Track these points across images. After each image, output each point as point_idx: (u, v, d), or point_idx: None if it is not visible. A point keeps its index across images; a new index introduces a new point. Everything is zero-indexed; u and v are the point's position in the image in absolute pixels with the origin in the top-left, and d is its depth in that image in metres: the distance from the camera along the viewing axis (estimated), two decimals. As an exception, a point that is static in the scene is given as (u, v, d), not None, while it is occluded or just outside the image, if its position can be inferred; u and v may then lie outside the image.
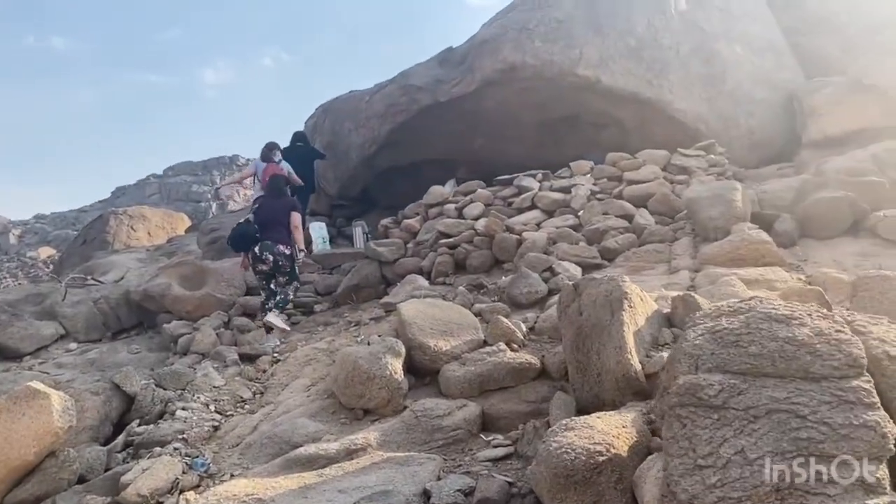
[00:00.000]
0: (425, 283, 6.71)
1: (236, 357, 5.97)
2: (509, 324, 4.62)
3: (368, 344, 5.30)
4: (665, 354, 3.56)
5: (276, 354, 6.15)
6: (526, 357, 4.25)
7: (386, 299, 6.65)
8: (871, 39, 10.82)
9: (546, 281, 5.75)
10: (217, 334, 6.49)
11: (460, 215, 7.73)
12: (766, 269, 5.03)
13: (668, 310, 4.02)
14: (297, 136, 9.86)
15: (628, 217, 6.90)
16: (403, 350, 4.45)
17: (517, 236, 6.89)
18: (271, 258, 6.61)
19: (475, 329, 4.79)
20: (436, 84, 9.49)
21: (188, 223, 21.81)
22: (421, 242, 7.71)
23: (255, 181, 9.02)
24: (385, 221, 8.35)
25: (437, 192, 8.16)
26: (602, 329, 3.61)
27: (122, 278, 9.90)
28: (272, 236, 6.66)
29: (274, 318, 6.63)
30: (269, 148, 8.94)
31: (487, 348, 4.44)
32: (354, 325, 6.49)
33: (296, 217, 6.93)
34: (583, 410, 3.68)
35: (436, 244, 7.44)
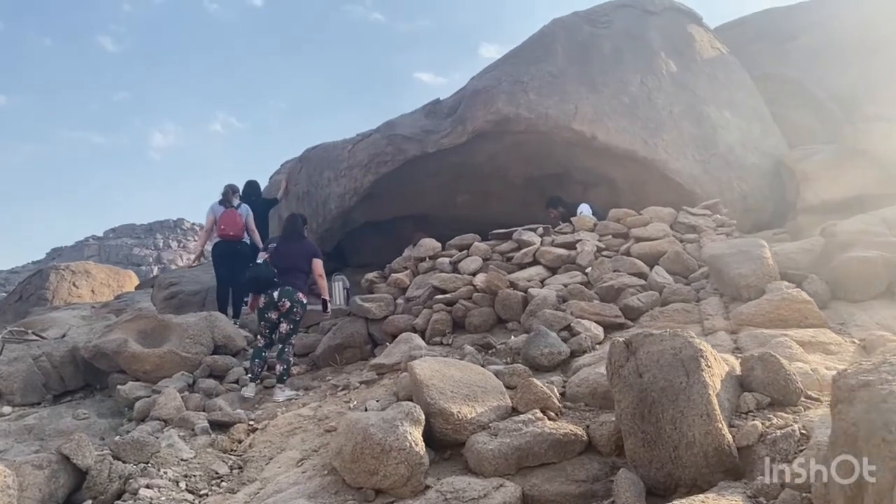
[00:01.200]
0: (422, 342, 6.08)
1: (206, 424, 5.17)
2: (544, 388, 4.03)
3: (365, 409, 4.65)
4: (757, 423, 3.04)
5: (251, 423, 5.38)
6: (570, 428, 3.65)
7: (378, 360, 5.99)
8: (850, 110, 11.09)
9: (565, 341, 5.22)
10: (182, 398, 5.67)
11: (455, 270, 7.19)
12: (815, 331, 4.63)
13: (739, 371, 3.52)
14: (250, 187, 9.48)
15: (641, 275, 6.50)
16: (423, 417, 3.79)
17: (522, 293, 6.38)
18: (288, 305, 6.07)
19: (500, 393, 4.18)
20: (424, 135, 9.12)
21: (136, 281, 20.62)
22: (412, 298, 7.12)
23: (214, 229, 8.43)
24: (370, 276, 7.75)
25: (428, 244, 7.63)
26: (676, 393, 3.08)
27: (63, 335, 8.92)
28: (293, 282, 6.18)
29: (281, 394, 5.98)
30: (231, 191, 8.42)
31: (521, 416, 3.83)
32: (342, 390, 5.79)
33: (319, 265, 6.35)
34: (653, 492, 3.11)
35: (430, 300, 6.86)
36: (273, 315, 6.23)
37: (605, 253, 7.08)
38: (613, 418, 3.55)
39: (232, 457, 4.71)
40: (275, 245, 6.43)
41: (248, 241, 8.56)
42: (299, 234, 6.63)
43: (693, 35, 10.89)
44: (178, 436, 5.00)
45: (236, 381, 6.54)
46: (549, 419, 3.82)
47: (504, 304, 6.35)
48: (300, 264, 6.34)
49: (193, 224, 39.78)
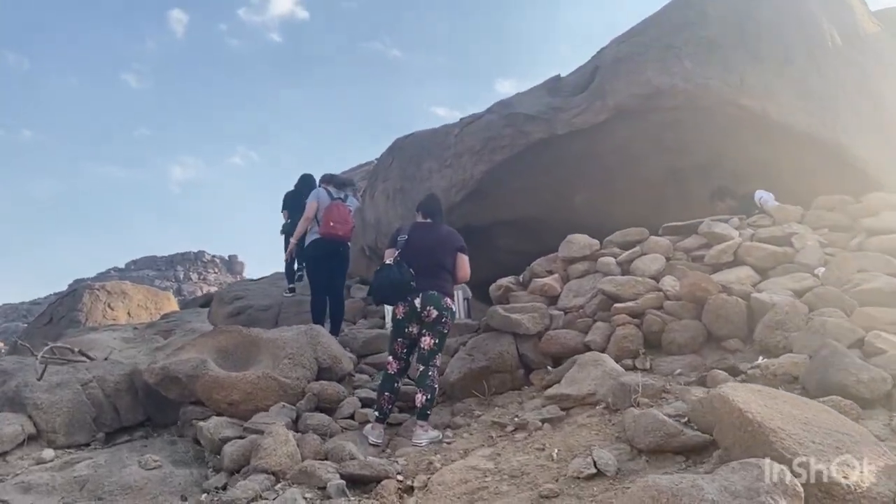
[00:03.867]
0: (617, 366, 4.48)
1: (341, 481, 3.61)
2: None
3: (594, 464, 3.11)
4: None
5: (399, 477, 3.81)
6: None
7: (559, 390, 4.40)
8: None
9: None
10: (296, 439, 4.13)
11: (627, 272, 5.61)
12: None
13: None
14: (304, 182, 8.82)
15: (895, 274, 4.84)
16: (800, 487, 2.18)
17: (743, 300, 4.76)
18: (435, 314, 4.64)
19: (874, 444, 2.56)
20: (552, 113, 7.63)
21: (175, 304, 19.37)
22: (570, 309, 5.53)
23: (316, 224, 6.92)
24: (504, 282, 6.18)
25: (581, 241, 6.07)
26: None
27: (106, 360, 7.52)
28: (438, 284, 4.72)
29: (424, 435, 4.45)
30: (340, 183, 6.98)
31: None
32: (516, 430, 4.20)
33: (466, 263, 4.87)
34: None
35: (602, 311, 5.27)
36: (413, 329, 4.71)
37: (826, 250, 5.44)
38: None
39: (398, 536, 3.14)
40: (405, 236, 4.90)
41: (348, 243, 7.11)
42: (441, 216, 5.13)
43: (851, 5, 9.32)
44: (304, 497, 3.46)
45: (351, 416, 5.01)
46: None
47: (719, 314, 4.74)
48: (444, 259, 4.81)
49: (213, 257, 40.65)
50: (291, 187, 9.20)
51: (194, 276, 39.34)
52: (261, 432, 4.30)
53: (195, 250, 40.77)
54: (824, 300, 4.54)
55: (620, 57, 7.45)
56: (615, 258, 5.76)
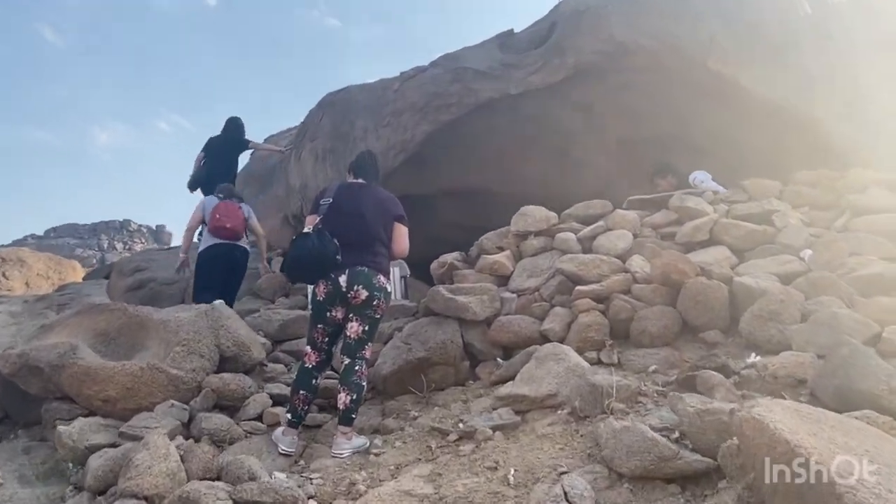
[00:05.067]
0: (581, 360, 3.78)
1: (232, 512, 2.78)
2: None
3: (566, 497, 2.41)
4: None
5: (311, 501, 3.00)
6: None
7: (513, 390, 3.65)
8: None
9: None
10: (181, 452, 3.26)
11: (589, 250, 4.92)
12: None
13: None
14: (230, 123, 8.31)
15: (891, 259, 4.32)
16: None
17: (724, 285, 4.13)
18: (364, 295, 3.79)
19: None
20: (504, 70, 6.84)
21: (83, 272, 17.78)
22: (523, 291, 4.80)
23: (204, 229, 6.10)
24: (448, 258, 5.39)
25: (536, 214, 5.34)
26: None
27: (-20, 337, 6.39)
28: (367, 259, 3.87)
29: (346, 444, 3.63)
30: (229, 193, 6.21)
31: None
32: (460, 440, 3.44)
33: (404, 234, 4.04)
34: None
35: (561, 294, 4.57)
36: (338, 313, 3.87)
37: (810, 231, 4.89)
38: None
39: None
40: (329, 199, 4.02)
41: (246, 248, 6.29)
42: (375, 175, 4.27)
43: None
44: (181, 537, 2.62)
45: (259, 417, 4.15)
46: None
47: (697, 301, 4.10)
48: (378, 229, 3.97)
49: (140, 226, 39.12)
50: None
51: (119, 246, 37.18)
52: (140, 439, 3.40)
53: (121, 219, 39.07)
54: (818, 287, 3.95)
55: (582, 9, 6.70)
56: (576, 234, 5.06)
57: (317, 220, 3.96)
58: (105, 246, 36.61)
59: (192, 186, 8.25)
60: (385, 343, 4.91)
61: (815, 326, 3.36)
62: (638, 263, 4.58)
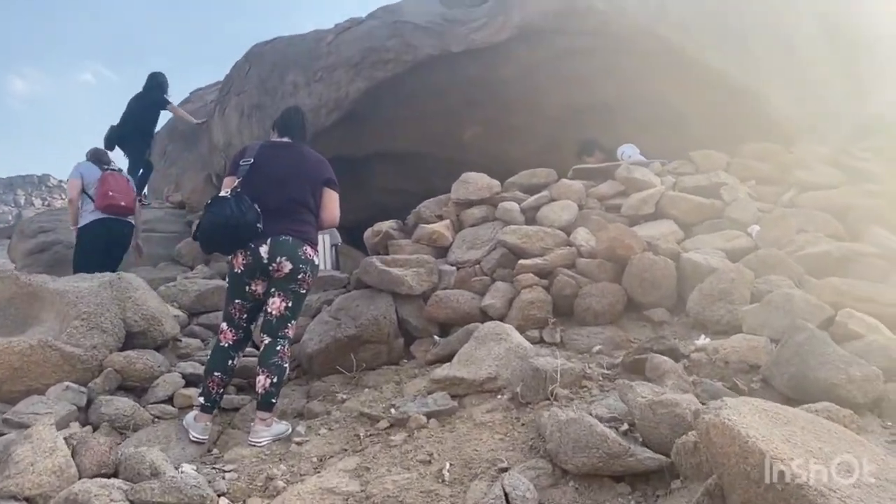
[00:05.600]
0: (523, 340, 3.55)
1: (128, 516, 2.44)
2: None
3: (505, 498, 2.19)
4: None
5: (222, 499, 2.69)
6: None
7: (450, 371, 3.38)
8: None
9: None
10: (72, 444, 2.86)
11: (533, 221, 4.68)
12: None
13: None
14: (151, 80, 7.98)
15: (839, 237, 4.27)
16: None
17: (671, 261, 3.97)
18: (288, 268, 3.42)
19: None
20: (446, 25, 6.46)
21: (-11, 231, 16.55)
22: (463, 264, 4.54)
23: (85, 199, 5.53)
24: (383, 226, 5.04)
25: (479, 182, 5.05)
26: None
27: None
28: (291, 227, 3.50)
29: (265, 431, 3.28)
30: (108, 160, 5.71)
31: None
32: (391, 428, 3.17)
33: (334, 200, 3.67)
34: None
35: (503, 268, 4.32)
36: (258, 287, 3.50)
37: (757, 205, 4.79)
38: None
39: None
40: (250, 160, 3.61)
41: (131, 222, 5.82)
42: (301, 136, 3.86)
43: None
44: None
45: (169, 399, 3.77)
46: None
47: (644, 277, 3.92)
48: (304, 194, 3.59)
49: (61, 181, 36.89)
50: None
51: (38, 202, 35.40)
52: (27, 427, 2.99)
53: (39, 173, 37.55)
54: (768, 265, 3.82)
55: (531, -35, 6.36)
56: (519, 204, 4.81)
57: (235, 183, 3.56)
58: (22, 202, 34.82)
59: (108, 145, 7.72)
60: (312, 318, 4.58)
61: (767, 308, 3.21)
62: (583, 236, 4.37)
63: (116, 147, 7.77)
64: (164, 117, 8.71)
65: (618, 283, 4.03)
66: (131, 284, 4.19)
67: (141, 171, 8.06)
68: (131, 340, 4.03)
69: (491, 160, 8.15)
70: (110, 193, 5.48)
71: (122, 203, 5.54)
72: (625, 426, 2.57)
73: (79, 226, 5.52)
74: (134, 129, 7.69)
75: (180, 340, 4.48)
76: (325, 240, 5.61)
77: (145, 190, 8.69)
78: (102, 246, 5.51)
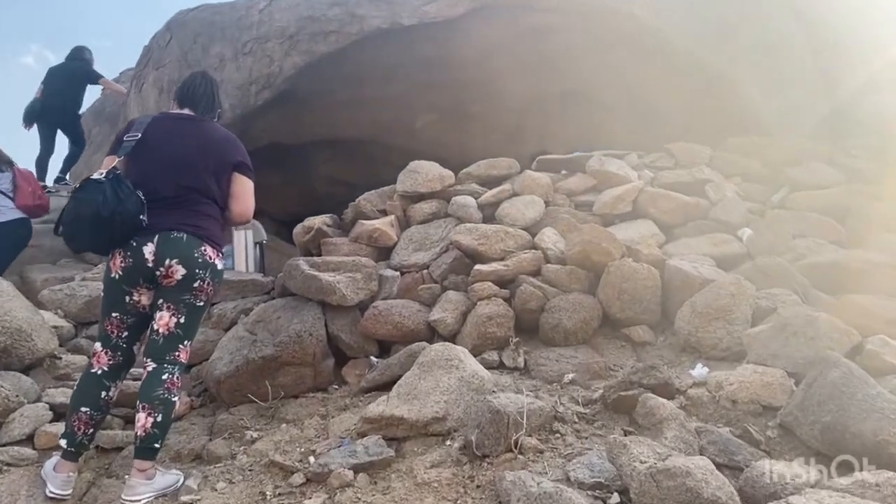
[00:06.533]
0: (478, 366, 2.87)
1: None
2: None
3: None
4: None
5: None
6: None
7: (392, 409, 2.68)
8: None
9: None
10: None
11: (492, 219, 4.02)
12: None
13: None
14: (76, 52, 7.19)
15: (840, 243, 3.74)
16: None
17: (654, 269, 3.36)
18: (181, 273, 2.67)
19: None
20: (396, -5, 5.73)
21: None
22: (409, 269, 3.84)
23: None
24: (315, 221, 4.30)
25: (430, 171, 4.35)
26: None
27: None
28: (186, 220, 2.73)
29: (146, 485, 2.51)
30: None
31: None
32: (311, 484, 2.46)
33: (247, 187, 2.90)
34: None
35: (456, 274, 3.64)
36: (142, 297, 2.72)
37: (746, 205, 4.23)
38: None
39: None
40: (137, 134, 2.84)
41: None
42: (207, 109, 3.07)
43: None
44: None
45: (30, 438, 2.97)
46: None
47: (622, 289, 3.30)
48: (205, 178, 2.82)
49: None
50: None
51: None
52: None
53: None
54: (768, 276, 3.25)
55: (493, -72, 5.69)
56: (476, 198, 4.14)
57: (115, 163, 2.78)
58: None
59: (27, 120, 6.89)
60: (226, 330, 3.82)
61: (782, 333, 2.61)
62: (550, 238, 3.73)
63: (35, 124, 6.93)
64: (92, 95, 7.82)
65: (592, 295, 3.40)
66: (-5, 289, 3.36)
67: (69, 150, 7.22)
68: (-13, 361, 3.21)
69: (445, 151, 7.47)
70: (39, 193, 4.97)
71: (45, 203, 4.99)
72: (615, 498, 1.92)
73: None
74: (54, 102, 6.81)
75: (59, 358, 3.66)
76: (246, 236, 4.83)
77: (69, 173, 7.72)
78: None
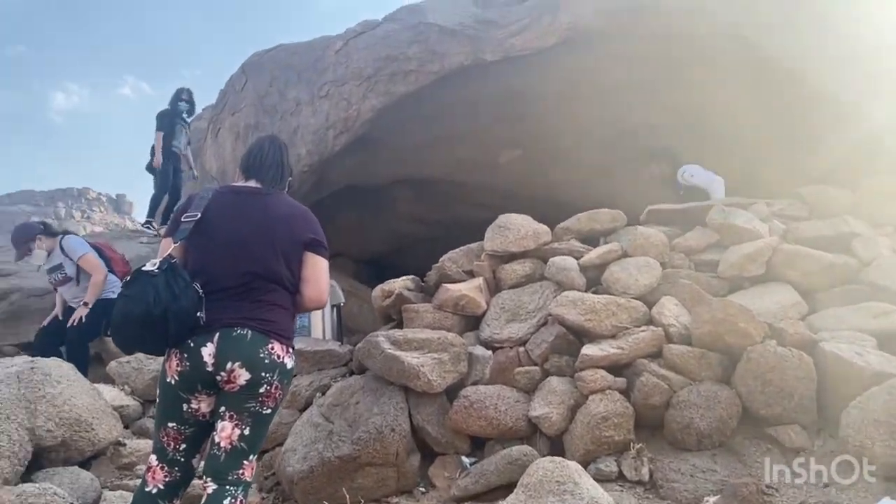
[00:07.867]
0: (596, 491, 2.34)
1: None
2: None
3: None
4: None
5: None
6: None
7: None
8: None
9: None
10: None
11: (596, 282, 3.48)
12: None
13: None
14: (180, 94, 7.08)
15: None
16: None
17: (806, 356, 2.74)
18: (245, 378, 2.23)
19: None
20: (480, 28, 5.32)
21: None
22: (502, 344, 3.35)
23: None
24: (396, 285, 3.87)
25: (523, 227, 3.85)
26: None
27: None
28: (252, 314, 2.30)
29: None
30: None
31: None
32: None
33: (323, 269, 2.46)
34: None
35: (559, 355, 3.13)
36: (201, 405, 2.34)
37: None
38: None
39: None
40: (197, 214, 2.48)
41: None
42: (276, 180, 2.69)
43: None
44: None
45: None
46: None
47: (766, 380, 2.71)
48: (274, 263, 2.42)
49: (99, 194, 38.63)
50: None
51: (77, 215, 36.27)
52: None
53: (79, 186, 38.26)
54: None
55: (584, -48, 5.19)
56: (577, 259, 3.60)
57: (171, 248, 2.43)
58: (63, 214, 35.41)
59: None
60: (301, 411, 3.43)
61: None
62: (671, 311, 3.16)
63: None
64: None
65: (727, 385, 2.81)
66: (49, 376, 3.08)
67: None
68: (42, 458, 2.92)
69: (529, 190, 6.99)
70: (124, 260, 4.89)
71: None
72: None
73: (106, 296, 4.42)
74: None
75: (123, 444, 3.36)
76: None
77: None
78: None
